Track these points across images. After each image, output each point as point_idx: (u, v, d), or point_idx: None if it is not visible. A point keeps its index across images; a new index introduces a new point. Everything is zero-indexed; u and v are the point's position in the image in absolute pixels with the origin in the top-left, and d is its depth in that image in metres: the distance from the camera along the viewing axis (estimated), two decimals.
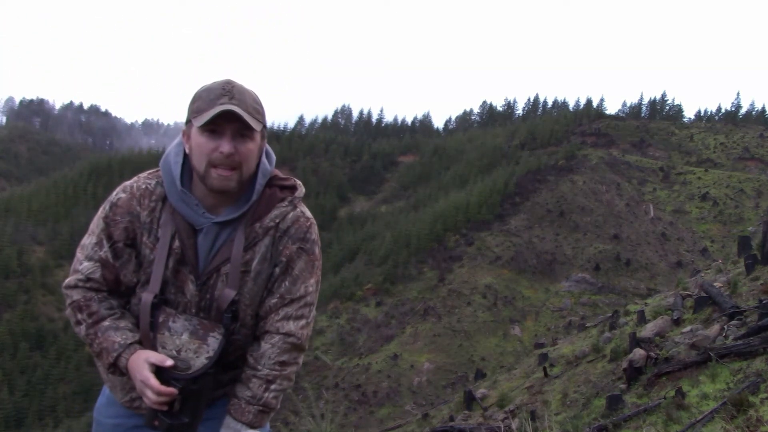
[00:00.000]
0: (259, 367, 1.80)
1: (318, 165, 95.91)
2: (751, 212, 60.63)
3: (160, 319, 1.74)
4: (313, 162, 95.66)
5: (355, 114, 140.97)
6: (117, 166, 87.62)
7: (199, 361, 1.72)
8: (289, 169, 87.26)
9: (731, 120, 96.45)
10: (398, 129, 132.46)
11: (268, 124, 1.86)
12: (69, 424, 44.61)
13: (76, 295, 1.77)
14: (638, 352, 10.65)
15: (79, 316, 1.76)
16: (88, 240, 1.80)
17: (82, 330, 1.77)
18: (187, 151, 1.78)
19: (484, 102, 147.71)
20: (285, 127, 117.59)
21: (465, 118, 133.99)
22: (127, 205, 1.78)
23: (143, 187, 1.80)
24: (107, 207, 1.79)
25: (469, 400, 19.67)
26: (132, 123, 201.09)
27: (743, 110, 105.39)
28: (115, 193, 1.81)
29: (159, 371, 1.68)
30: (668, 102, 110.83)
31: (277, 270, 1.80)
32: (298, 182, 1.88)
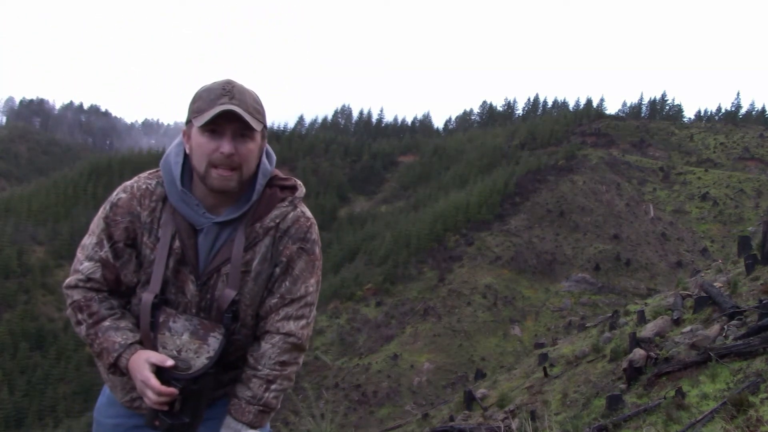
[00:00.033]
0: (260, 367, 1.80)
1: (318, 165, 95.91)
2: (751, 212, 60.64)
3: (161, 319, 1.74)
4: (313, 162, 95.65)
5: (355, 114, 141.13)
6: (117, 166, 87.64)
7: (200, 361, 1.72)
8: (289, 169, 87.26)
9: (731, 120, 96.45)
10: (398, 129, 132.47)
11: (268, 124, 1.86)
12: (69, 424, 44.61)
13: (76, 295, 1.77)
14: (638, 352, 10.65)
15: (80, 316, 1.76)
16: (88, 240, 1.80)
17: (82, 330, 1.77)
18: (187, 151, 1.78)
19: (484, 102, 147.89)
20: (285, 127, 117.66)
21: (465, 118, 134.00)
22: (127, 205, 1.78)
23: (144, 187, 1.80)
24: (108, 207, 1.79)
25: (469, 400, 19.67)
26: (132, 123, 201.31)
27: (743, 110, 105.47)
28: (115, 193, 1.81)
29: (159, 371, 1.68)
30: (668, 102, 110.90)
31: (278, 270, 1.80)
32: (299, 182, 1.88)
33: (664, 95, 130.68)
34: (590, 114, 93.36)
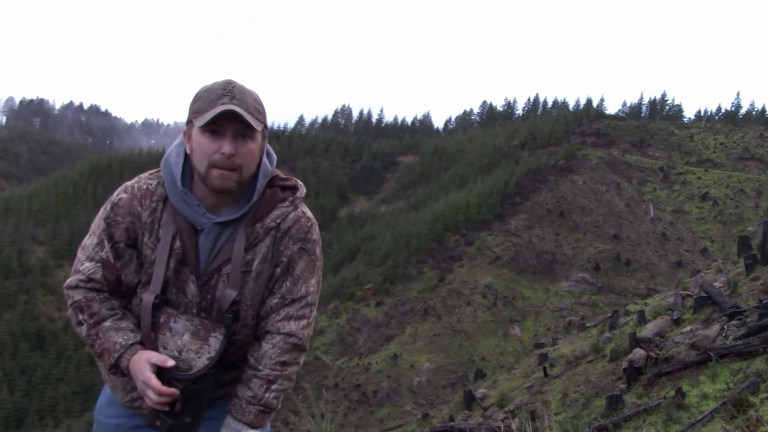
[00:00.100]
0: (260, 368, 1.80)
1: (318, 165, 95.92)
2: (751, 212, 60.65)
3: (162, 320, 1.74)
4: (313, 162, 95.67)
5: (355, 114, 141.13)
6: (117, 166, 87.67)
7: (201, 362, 1.72)
8: (289, 169, 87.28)
9: (731, 120, 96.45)
10: (398, 129, 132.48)
11: (269, 124, 1.86)
12: (69, 424, 44.64)
13: (77, 295, 1.77)
14: (638, 352, 10.66)
15: (81, 316, 1.76)
16: (89, 240, 1.80)
17: (83, 330, 1.77)
18: (188, 151, 1.78)
19: (484, 102, 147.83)
20: (285, 127, 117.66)
21: (465, 118, 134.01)
22: (128, 205, 1.78)
23: (144, 187, 1.80)
24: (108, 207, 1.79)
25: (469, 400, 19.68)
26: (132, 123, 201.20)
27: (743, 110, 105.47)
28: (116, 193, 1.81)
29: (160, 372, 1.68)
30: (668, 102, 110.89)
31: (278, 270, 1.80)
32: (299, 182, 1.88)
33: (664, 95, 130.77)
34: (590, 114, 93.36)
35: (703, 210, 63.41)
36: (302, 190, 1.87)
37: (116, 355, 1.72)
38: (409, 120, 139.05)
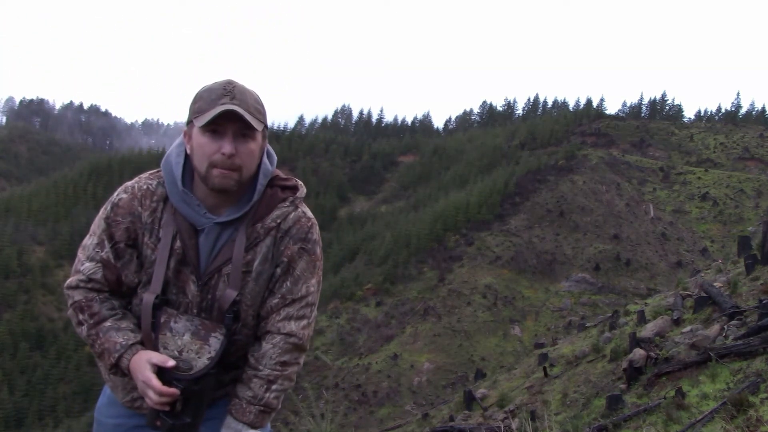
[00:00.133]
0: (261, 368, 1.80)
1: (318, 165, 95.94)
2: (751, 212, 60.65)
3: (162, 320, 1.74)
4: (313, 162, 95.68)
5: (355, 114, 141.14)
6: (117, 166, 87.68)
7: (201, 362, 1.72)
8: (289, 169, 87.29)
9: (731, 120, 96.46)
10: (398, 129, 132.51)
11: (269, 124, 1.87)
12: (69, 424, 44.64)
13: (77, 295, 1.77)
14: (638, 352, 10.66)
15: (81, 316, 1.76)
16: (89, 240, 1.80)
17: (83, 330, 1.77)
18: (188, 151, 1.78)
19: (484, 102, 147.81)
20: (285, 127, 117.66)
21: (465, 118, 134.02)
22: (128, 205, 1.78)
23: (144, 187, 1.80)
24: (108, 207, 1.79)
25: (469, 400, 19.68)
26: (132, 123, 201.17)
27: (743, 110, 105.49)
28: (116, 193, 1.81)
29: (161, 372, 1.68)
30: (668, 102, 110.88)
31: (279, 270, 1.80)
32: (300, 182, 1.88)
33: (664, 95, 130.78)
34: (590, 114, 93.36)
35: (703, 210, 63.42)
36: (302, 190, 1.87)
37: (117, 355, 1.72)
38: (409, 120, 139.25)
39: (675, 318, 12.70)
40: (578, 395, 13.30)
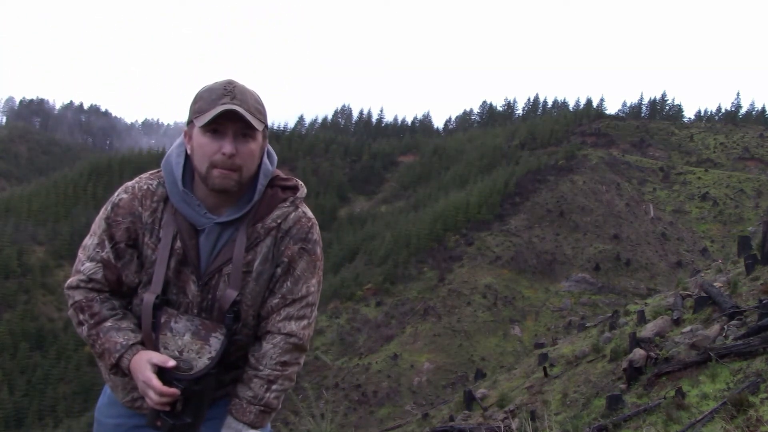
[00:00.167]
0: (261, 368, 1.80)
1: (318, 165, 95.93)
2: (751, 212, 60.66)
3: (162, 320, 1.74)
4: (313, 162, 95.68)
5: (355, 114, 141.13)
6: (117, 166, 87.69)
7: (201, 362, 1.72)
8: (289, 169, 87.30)
9: (731, 120, 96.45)
10: (398, 129, 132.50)
11: (269, 124, 1.87)
12: (69, 424, 44.65)
13: (78, 295, 1.77)
14: (638, 352, 10.66)
15: (81, 316, 1.76)
16: (89, 241, 1.80)
17: (84, 331, 1.77)
18: (188, 151, 1.78)
19: (484, 102, 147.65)
20: (285, 127, 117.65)
21: (465, 118, 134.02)
22: (128, 205, 1.78)
23: (145, 187, 1.80)
24: (109, 207, 1.79)
25: (469, 400, 19.69)
26: (132, 123, 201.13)
27: (743, 110, 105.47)
28: (116, 193, 1.81)
29: (161, 372, 1.68)
30: (668, 102, 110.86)
31: (279, 270, 1.80)
32: (300, 183, 1.88)
33: (664, 95, 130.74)
34: (590, 114, 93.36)
35: (703, 210, 63.42)
36: (303, 191, 1.87)
37: (117, 356, 1.72)
38: (409, 120, 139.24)
39: (675, 318, 12.71)
40: (578, 395, 13.30)
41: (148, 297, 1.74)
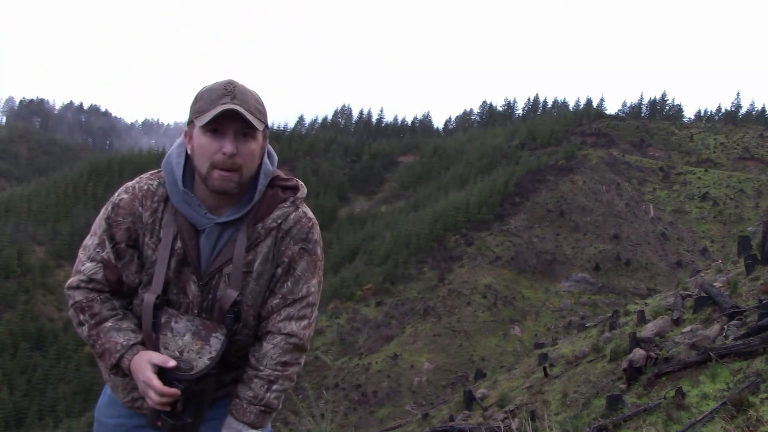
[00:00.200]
0: (261, 368, 1.80)
1: (318, 165, 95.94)
2: (751, 212, 60.66)
3: (163, 320, 1.74)
4: (313, 162, 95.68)
5: (355, 114, 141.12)
6: (117, 166, 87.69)
7: (202, 362, 1.72)
8: (289, 169, 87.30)
9: (731, 120, 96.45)
10: (398, 129, 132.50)
11: (269, 124, 1.87)
12: (69, 424, 44.65)
13: (78, 296, 1.77)
14: (638, 352, 10.66)
15: (82, 317, 1.76)
16: (90, 241, 1.80)
17: (84, 331, 1.77)
18: (189, 151, 1.78)
19: (484, 102, 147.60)
20: (285, 127, 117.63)
21: (465, 118, 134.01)
22: (129, 205, 1.78)
23: (145, 187, 1.80)
24: (109, 208, 1.79)
25: (469, 400, 19.69)
26: (132, 123, 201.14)
27: (743, 110, 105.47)
28: (117, 193, 1.81)
29: (162, 372, 1.68)
30: (668, 102, 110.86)
31: (279, 270, 1.80)
32: (300, 183, 1.88)
33: (664, 95, 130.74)
34: (590, 114, 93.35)
35: (703, 210, 63.42)
36: (303, 191, 1.87)
37: (117, 356, 1.72)
38: (409, 120, 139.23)
39: (675, 318, 12.71)
40: (578, 395, 13.30)
41: (149, 297, 1.74)
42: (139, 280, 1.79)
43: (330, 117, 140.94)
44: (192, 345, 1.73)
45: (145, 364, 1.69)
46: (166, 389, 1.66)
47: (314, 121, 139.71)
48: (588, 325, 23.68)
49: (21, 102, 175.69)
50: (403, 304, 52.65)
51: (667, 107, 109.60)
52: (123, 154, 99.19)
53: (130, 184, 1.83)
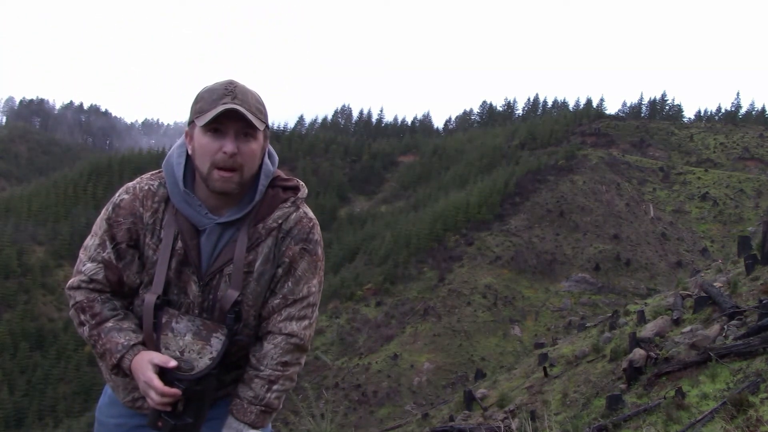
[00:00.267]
0: (262, 368, 1.80)
1: (318, 165, 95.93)
2: (751, 212, 60.65)
3: (163, 320, 1.74)
4: (313, 162, 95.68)
5: (355, 114, 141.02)
6: (117, 166, 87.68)
7: (203, 362, 1.73)
8: (289, 169, 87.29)
9: (731, 120, 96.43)
10: (398, 129, 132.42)
11: (269, 124, 1.87)
12: (69, 424, 44.65)
13: (79, 296, 1.77)
14: (638, 352, 10.67)
15: (83, 317, 1.76)
16: (91, 241, 1.80)
17: (85, 331, 1.77)
18: (189, 152, 1.79)
19: (484, 102, 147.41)
20: (285, 127, 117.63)
21: (465, 118, 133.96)
22: (129, 206, 1.78)
23: (146, 188, 1.80)
24: (110, 208, 1.80)
25: (469, 400, 19.69)
26: (132, 123, 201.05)
27: (743, 110, 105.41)
28: (117, 194, 1.81)
29: (162, 372, 1.68)
30: (668, 102, 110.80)
31: (280, 271, 1.81)
32: (301, 183, 1.89)
33: (664, 95, 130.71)
34: (590, 114, 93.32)
35: (703, 210, 63.41)
36: (304, 191, 1.87)
37: (118, 356, 1.72)
38: (409, 120, 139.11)
39: (675, 318, 12.71)
40: (578, 395, 13.30)
41: (150, 297, 1.74)
42: (139, 280, 1.79)
43: (330, 117, 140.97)
44: (193, 345, 1.73)
45: (146, 364, 1.69)
46: (167, 389, 1.66)
47: (314, 121, 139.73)
48: (588, 325, 23.69)
49: (21, 102, 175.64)
50: (403, 304, 52.65)
51: (667, 107, 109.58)
52: (123, 154, 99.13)
53: (130, 184, 1.83)
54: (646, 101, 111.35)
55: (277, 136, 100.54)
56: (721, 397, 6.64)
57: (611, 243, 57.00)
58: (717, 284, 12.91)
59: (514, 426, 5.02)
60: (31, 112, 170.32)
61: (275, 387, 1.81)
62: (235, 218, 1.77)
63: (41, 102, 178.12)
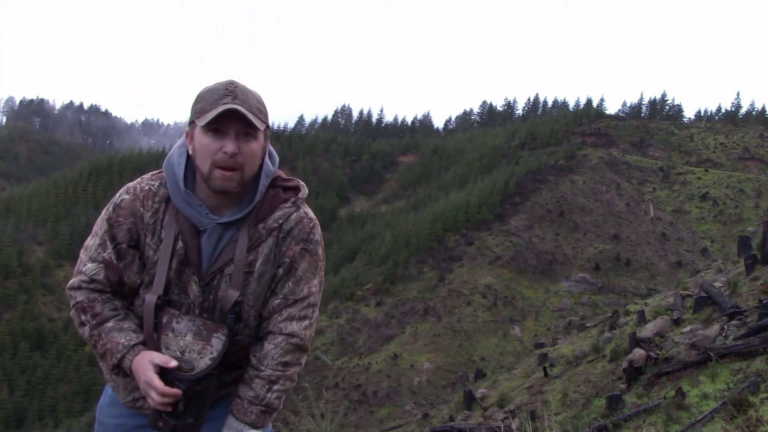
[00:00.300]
0: (262, 368, 1.80)
1: (318, 165, 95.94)
2: (751, 212, 60.64)
3: (164, 320, 1.74)
4: (313, 162, 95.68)
5: (355, 114, 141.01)
6: (117, 166, 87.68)
7: (203, 362, 1.73)
8: (289, 169, 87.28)
9: (731, 120, 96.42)
10: (398, 129, 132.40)
11: (269, 124, 1.87)
12: (69, 424, 44.66)
13: (80, 296, 1.77)
14: (638, 352, 10.67)
15: (83, 317, 1.77)
16: (91, 241, 1.80)
17: (86, 331, 1.77)
18: (190, 152, 1.79)
19: (484, 102, 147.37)
20: (285, 127, 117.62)
21: (465, 118, 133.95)
22: (130, 206, 1.78)
23: (146, 188, 1.80)
24: (110, 208, 1.80)
25: (469, 400, 19.69)
26: (132, 123, 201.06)
27: (743, 110, 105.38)
28: (118, 194, 1.82)
29: (163, 372, 1.68)
30: (668, 102, 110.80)
31: (281, 271, 1.81)
32: (302, 183, 1.89)
33: (664, 95, 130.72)
34: (590, 114, 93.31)
35: (703, 210, 63.41)
36: (304, 191, 1.87)
37: (119, 356, 1.72)
38: (409, 120, 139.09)
39: (675, 318, 12.72)
40: (578, 395, 13.30)
41: (150, 297, 1.74)
42: (140, 280, 1.79)
43: (330, 117, 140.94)
44: (193, 345, 1.73)
45: (146, 364, 1.69)
46: (167, 389, 1.66)
47: (314, 121, 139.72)
48: (588, 325, 23.69)
49: (21, 102, 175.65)
50: (403, 304, 52.65)
51: (667, 107, 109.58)
52: (123, 154, 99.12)
53: (131, 184, 1.83)
54: (646, 101, 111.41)
55: (277, 136, 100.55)
56: (721, 397, 6.64)
57: (611, 243, 57.00)
58: (717, 284, 12.91)
59: (514, 426, 5.02)
60: (31, 112, 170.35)
61: (276, 387, 1.81)
62: (236, 218, 1.77)
63: (41, 102, 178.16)
